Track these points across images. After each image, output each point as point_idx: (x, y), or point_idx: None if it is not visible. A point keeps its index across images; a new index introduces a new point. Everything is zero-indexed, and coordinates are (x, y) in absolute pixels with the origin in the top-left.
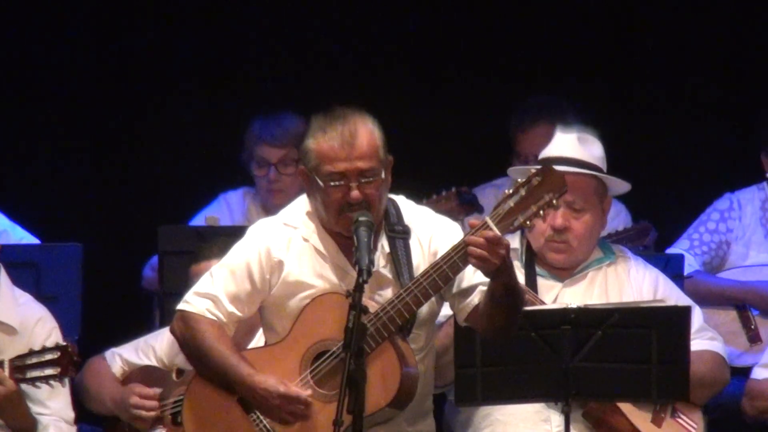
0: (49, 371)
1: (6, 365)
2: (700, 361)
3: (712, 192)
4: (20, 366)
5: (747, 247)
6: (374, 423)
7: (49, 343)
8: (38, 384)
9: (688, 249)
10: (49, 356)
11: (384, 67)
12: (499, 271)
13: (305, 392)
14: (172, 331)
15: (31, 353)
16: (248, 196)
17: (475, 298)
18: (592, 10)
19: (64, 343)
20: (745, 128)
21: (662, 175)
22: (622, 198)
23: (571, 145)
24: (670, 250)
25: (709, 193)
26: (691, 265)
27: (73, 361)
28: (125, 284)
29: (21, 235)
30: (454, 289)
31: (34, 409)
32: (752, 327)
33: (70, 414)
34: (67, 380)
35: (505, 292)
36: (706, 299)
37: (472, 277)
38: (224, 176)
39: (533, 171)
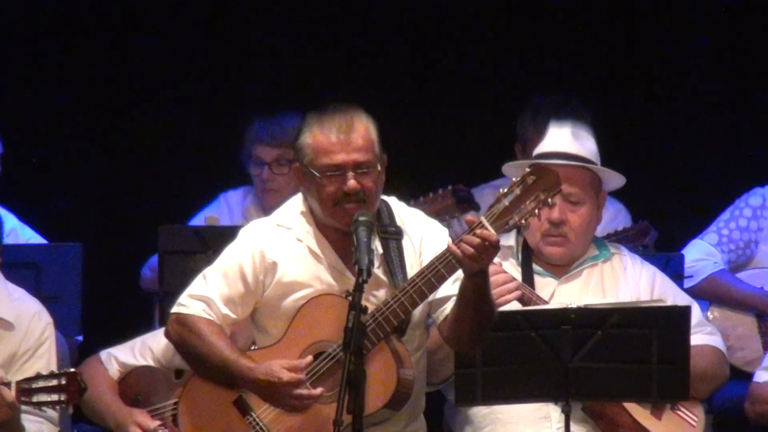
0: (55, 397)
1: (12, 387)
2: (700, 355)
3: (713, 192)
4: (27, 389)
5: None
6: (370, 423)
7: (44, 338)
8: (44, 408)
9: (716, 244)
10: (55, 382)
11: (381, 67)
12: (480, 271)
13: (306, 359)
14: (167, 335)
15: (38, 377)
16: (249, 195)
17: (447, 308)
18: (592, 8)
19: (72, 370)
20: (745, 128)
21: (662, 174)
22: (622, 198)
23: (565, 139)
24: (698, 241)
25: (709, 193)
26: (717, 263)
27: (81, 388)
28: (125, 284)
29: (29, 236)
30: (430, 297)
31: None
32: None
33: (56, 416)
34: None
35: (474, 295)
36: (726, 302)
37: (450, 288)
38: (224, 176)
39: (528, 170)
